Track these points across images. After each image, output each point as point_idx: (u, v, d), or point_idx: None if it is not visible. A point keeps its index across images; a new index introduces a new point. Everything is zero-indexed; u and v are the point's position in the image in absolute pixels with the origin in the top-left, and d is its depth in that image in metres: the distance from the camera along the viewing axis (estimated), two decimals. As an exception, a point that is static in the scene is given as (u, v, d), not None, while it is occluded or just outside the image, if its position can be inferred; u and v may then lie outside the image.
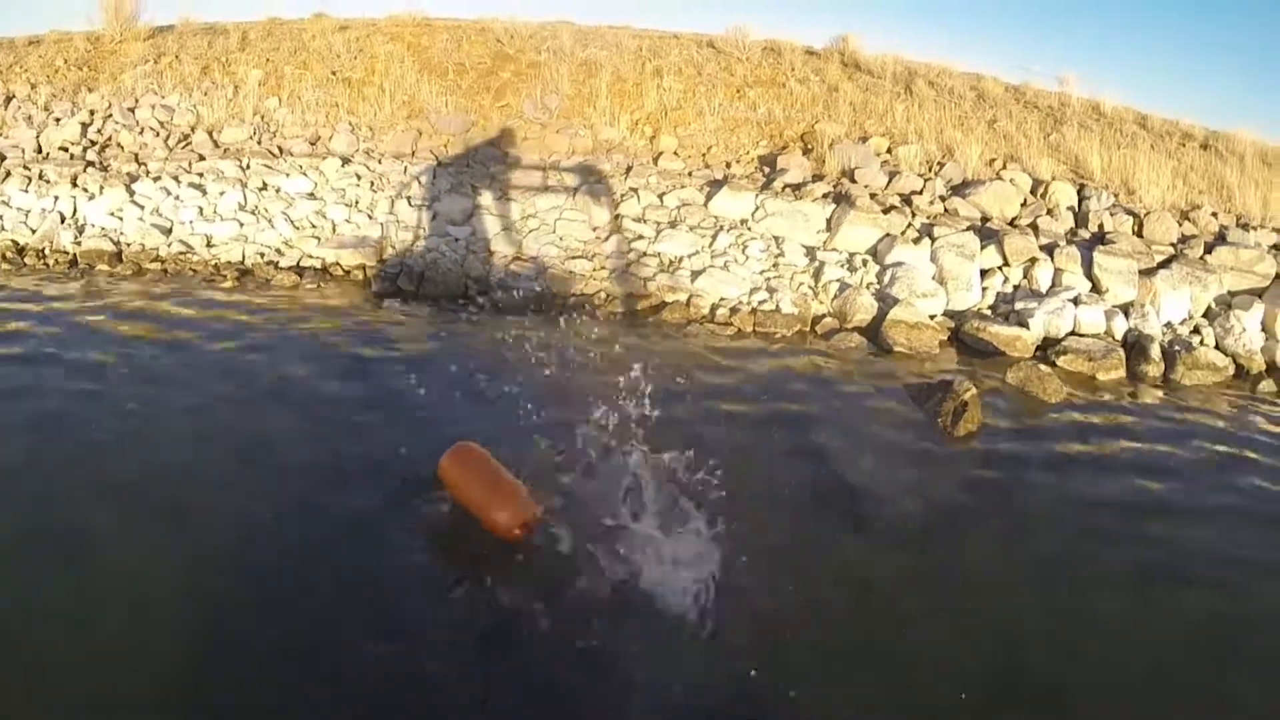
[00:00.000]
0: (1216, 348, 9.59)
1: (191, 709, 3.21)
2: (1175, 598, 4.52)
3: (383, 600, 3.80)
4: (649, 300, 7.85)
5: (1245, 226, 12.27)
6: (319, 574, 3.96)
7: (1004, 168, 11.36)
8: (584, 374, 5.86)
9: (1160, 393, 8.14)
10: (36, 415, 5.18)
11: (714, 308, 7.87)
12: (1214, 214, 12.33)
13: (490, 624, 3.67)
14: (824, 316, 8.08)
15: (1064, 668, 3.88)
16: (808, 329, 7.92)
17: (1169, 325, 9.78)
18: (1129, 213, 11.46)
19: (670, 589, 3.88)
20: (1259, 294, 10.59)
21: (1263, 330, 10.15)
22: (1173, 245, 11.12)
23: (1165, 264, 10.48)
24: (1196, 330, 9.81)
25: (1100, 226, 10.93)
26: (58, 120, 11.38)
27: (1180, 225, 11.81)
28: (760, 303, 7.95)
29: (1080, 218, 11.02)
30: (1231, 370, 9.25)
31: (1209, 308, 10.21)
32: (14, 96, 11.86)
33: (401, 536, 4.22)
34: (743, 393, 6.44)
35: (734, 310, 7.87)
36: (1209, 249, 11.33)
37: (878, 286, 8.55)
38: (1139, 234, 11.25)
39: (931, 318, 8.41)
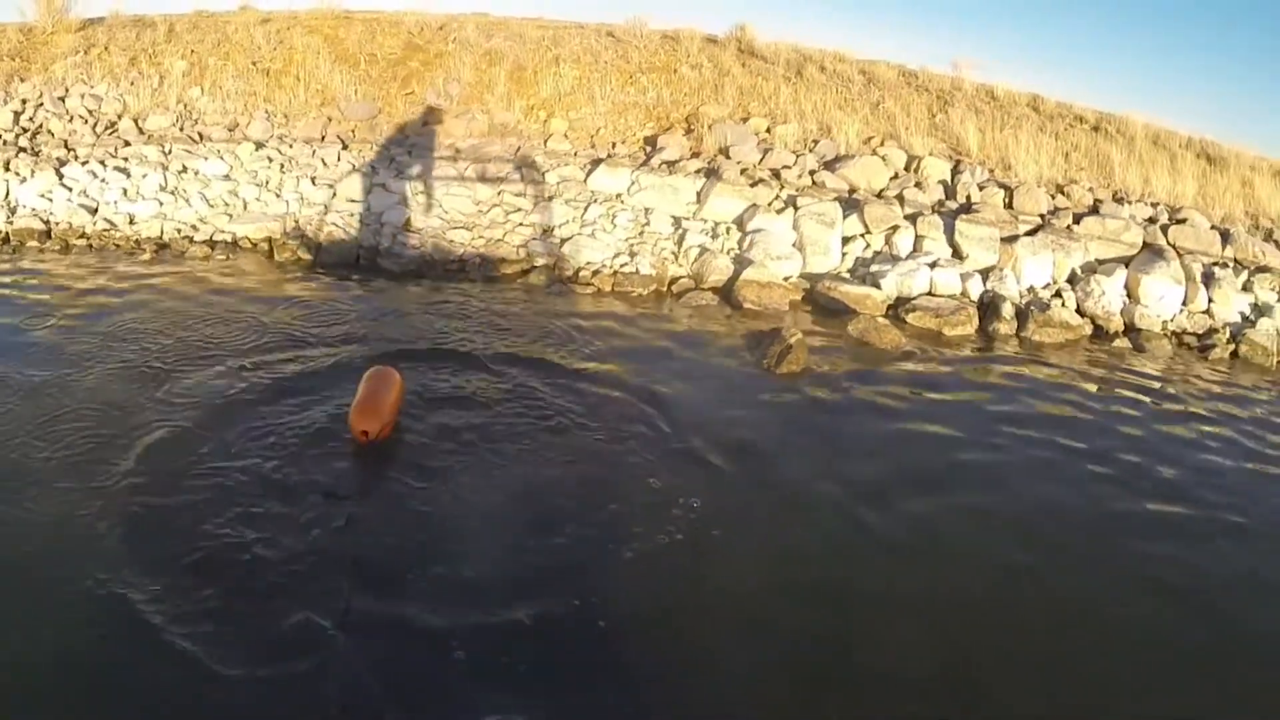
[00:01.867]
0: (1078, 310, 11.05)
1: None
2: (945, 517, 5.41)
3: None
4: (520, 264, 9.17)
5: (1121, 201, 13.76)
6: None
7: (881, 145, 12.77)
8: (441, 326, 7.22)
9: (1007, 347, 9.46)
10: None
11: (578, 271, 9.20)
12: (1090, 189, 13.82)
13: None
14: (681, 278, 9.42)
15: (851, 573, 4.64)
16: (664, 289, 9.25)
17: (1031, 289, 11.20)
18: (1002, 186, 12.90)
19: (479, 507, 4.92)
20: (1126, 262, 12.08)
21: (1127, 294, 11.63)
22: (1041, 216, 12.56)
23: (1032, 233, 11.94)
24: (1058, 294, 11.25)
25: (968, 198, 12.34)
26: (-11, 110, 12.52)
27: (1054, 198, 13.28)
28: (622, 265, 9.30)
29: (950, 190, 12.45)
30: (1089, 330, 10.70)
31: (1073, 273, 11.67)
32: (-56, 88, 12.97)
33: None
34: (586, 339, 7.76)
35: (595, 273, 9.20)
36: (1078, 220, 12.80)
37: (737, 251, 9.92)
38: (1009, 206, 12.69)
39: (786, 279, 9.78)
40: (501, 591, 4.13)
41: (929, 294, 10.18)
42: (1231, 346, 11.15)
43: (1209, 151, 17.48)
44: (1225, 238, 13.31)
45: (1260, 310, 11.85)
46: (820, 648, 4.10)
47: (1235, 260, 12.93)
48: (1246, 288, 12.21)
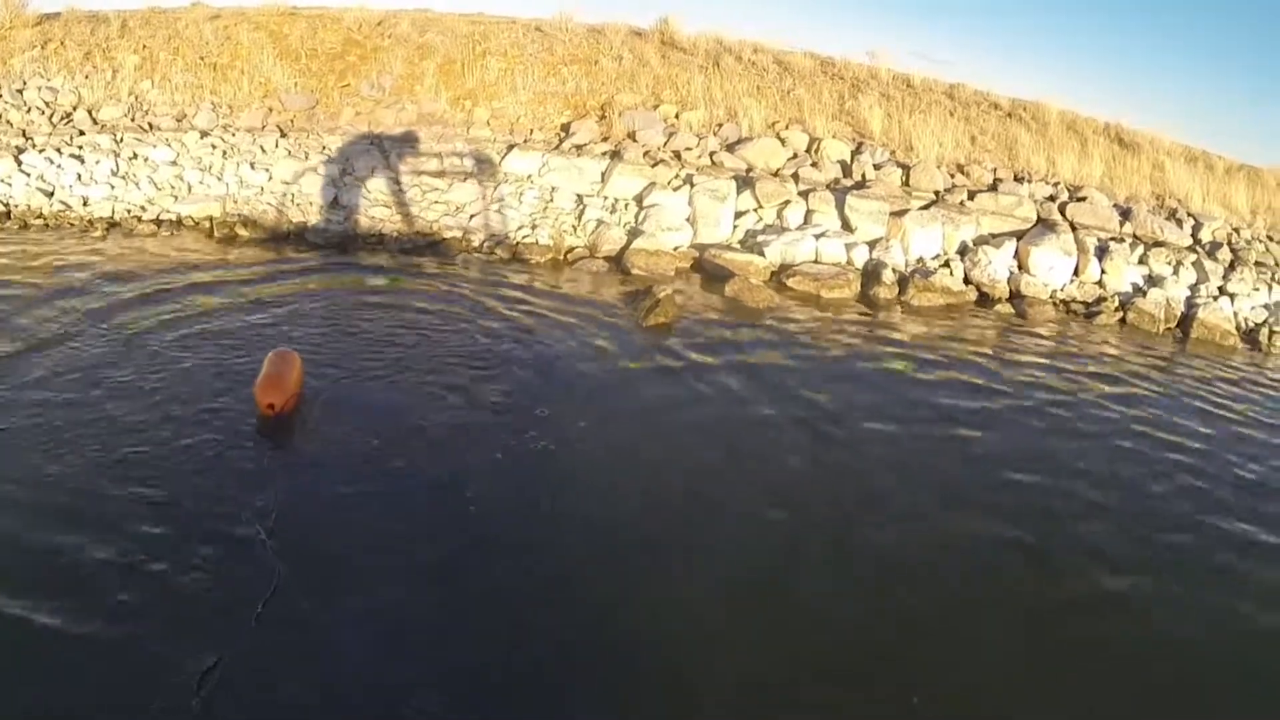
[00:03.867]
0: (965, 279, 12.66)
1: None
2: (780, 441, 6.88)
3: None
4: (432, 237, 10.74)
5: (1021, 180, 15.43)
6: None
7: (786, 128, 14.39)
8: (353, 292, 8.81)
9: (885, 310, 10.94)
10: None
11: (482, 242, 10.81)
12: (993, 169, 15.47)
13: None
14: (578, 248, 11.02)
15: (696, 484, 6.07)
16: (561, 258, 10.84)
17: (920, 259, 12.78)
18: (901, 165, 14.52)
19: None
20: (1019, 235, 13.71)
21: (1018, 265, 13.25)
22: (936, 193, 14.19)
23: (925, 208, 13.55)
24: (946, 264, 12.83)
25: (863, 176, 13.96)
26: (-50, 101, 13.99)
27: (953, 177, 14.91)
28: (524, 237, 10.90)
29: (848, 169, 14.07)
30: (974, 296, 12.29)
31: (963, 245, 13.26)
32: (-94, 81, 14.41)
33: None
34: (482, 299, 9.29)
35: (499, 243, 10.80)
36: (972, 196, 14.46)
37: (632, 224, 11.51)
38: (906, 183, 14.31)
39: (676, 249, 11.37)
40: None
41: (814, 262, 11.74)
42: (1120, 314, 12.81)
43: (1123, 137, 19.20)
44: (1126, 215, 15.00)
45: (1153, 281, 13.51)
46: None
47: (1134, 236, 14.63)
48: (1142, 261, 13.88)
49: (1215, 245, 14.67)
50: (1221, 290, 13.52)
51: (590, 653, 4.25)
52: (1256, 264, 14.43)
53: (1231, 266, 14.08)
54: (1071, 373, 9.52)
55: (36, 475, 5.14)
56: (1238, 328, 12.86)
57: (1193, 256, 14.10)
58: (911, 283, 11.70)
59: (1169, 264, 13.79)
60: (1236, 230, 15.56)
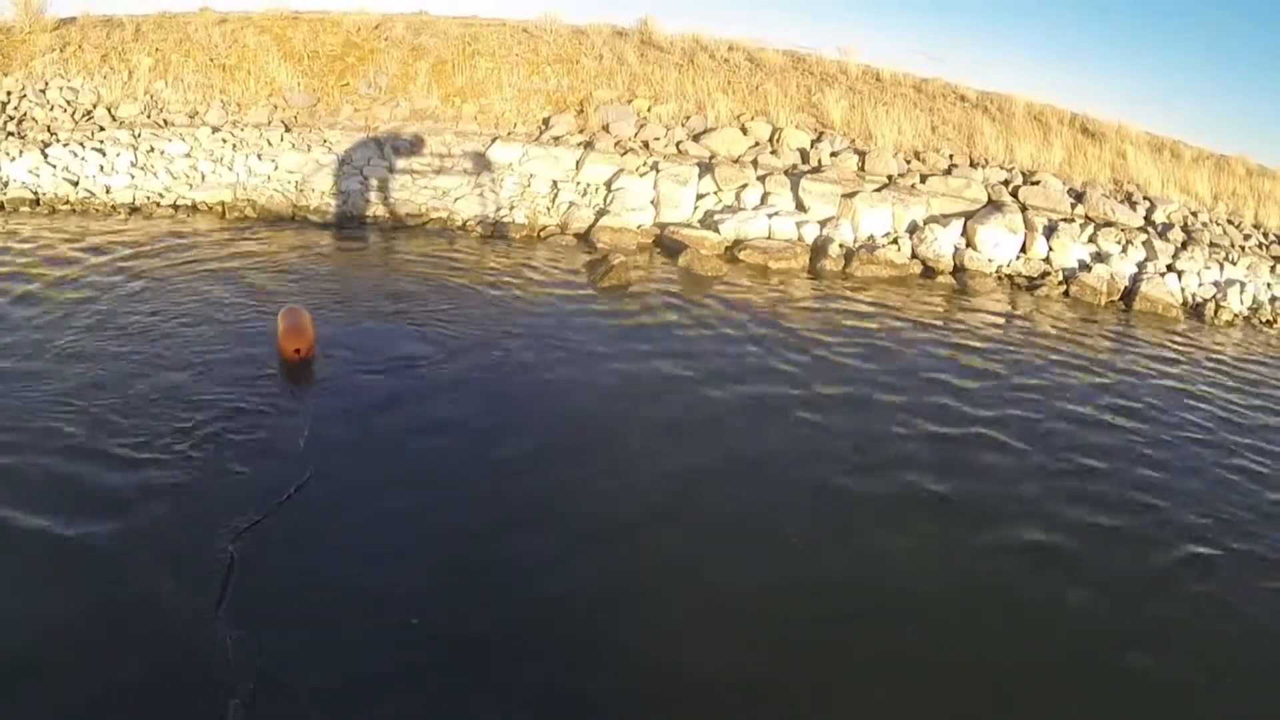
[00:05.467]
0: (913, 254, 14.25)
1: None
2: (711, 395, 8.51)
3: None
4: (422, 217, 12.41)
5: (975, 165, 17.00)
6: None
7: (751, 120, 16.02)
8: (349, 260, 10.52)
9: (824, 281, 12.39)
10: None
11: (465, 221, 12.48)
12: (950, 156, 17.03)
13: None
14: (550, 226, 12.67)
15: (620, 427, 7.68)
16: (535, 235, 12.48)
17: (871, 237, 14.35)
18: (858, 152, 16.09)
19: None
20: (969, 215, 15.27)
21: (966, 242, 14.80)
22: (889, 177, 15.76)
23: (879, 190, 15.14)
24: (895, 240, 14.41)
25: (819, 162, 15.56)
26: (-25, 100, 15.72)
27: (909, 163, 16.47)
28: (502, 217, 12.58)
29: (806, 156, 15.67)
30: (918, 269, 13.82)
31: (913, 223, 14.81)
32: (-68, 81, 16.06)
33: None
34: (461, 267, 10.90)
35: (480, 223, 12.47)
36: (924, 179, 16.03)
37: (601, 205, 13.12)
38: (861, 169, 15.87)
39: (639, 226, 12.97)
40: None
41: (767, 238, 13.34)
42: (1063, 287, 14.31)
43: (1088, 126, 20.75)
44: (1079, 198, 16.49)
45: (1100, 258, 14.98)
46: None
47: (1086, 217, 16.13)
48: (1092, 240, 15.33)
49: (1168, 226, 15.96)
50: (1170, 268, 14.83)
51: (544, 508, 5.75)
52: (1211, 245, 15.77)
53: (1183, 246, 15.39)
54: (992, 333, 11.01)
55: (90, 399, 6.57)
56: (1184, 302, 14.21)
57: (1143, 236, 15.41)
58: (857, 256, 13.20)
59: (1118, 243, 15.16)
60: (1194, 214, 16.88)
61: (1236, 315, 14.26)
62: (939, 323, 11.09)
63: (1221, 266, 15.35)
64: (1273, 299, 14.95)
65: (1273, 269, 15.77)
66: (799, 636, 4.84)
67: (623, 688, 4.35)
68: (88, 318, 8.11)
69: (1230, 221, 17.14)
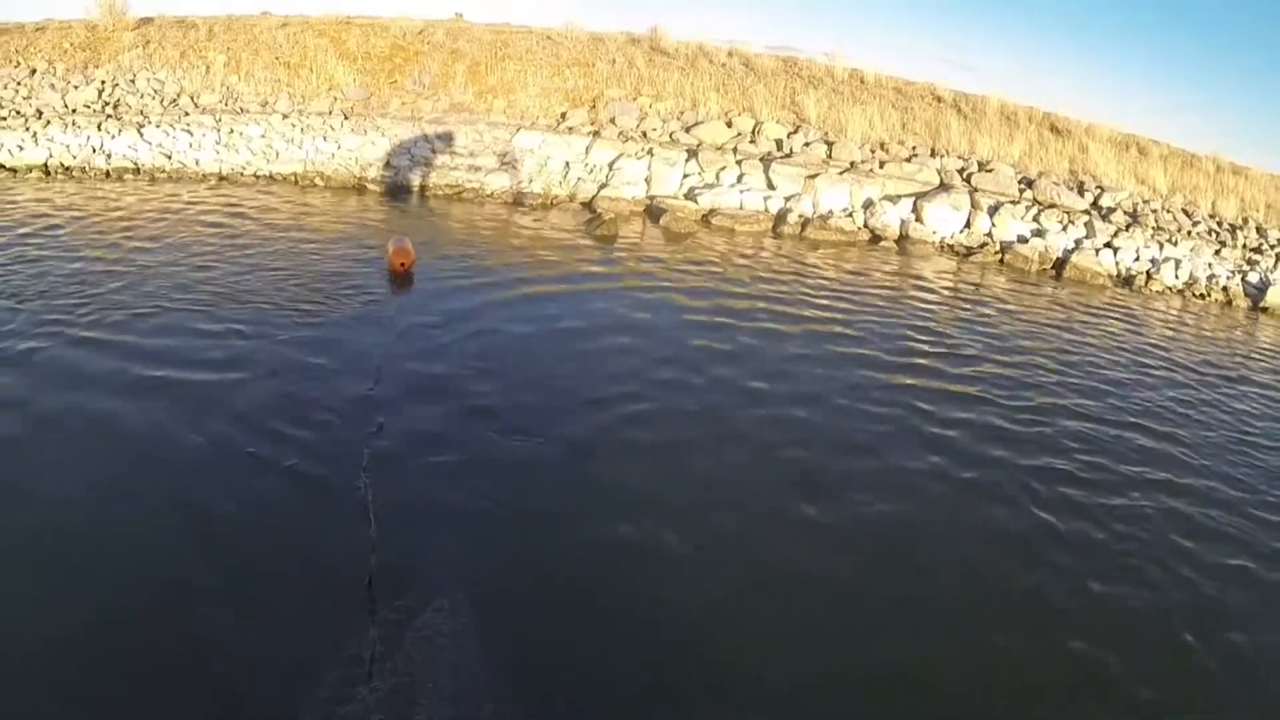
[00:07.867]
0: (865, 225, 17.52)
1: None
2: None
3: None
4: (458, 189, 15.98)
5: (936, 155, 20.19)
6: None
7: (738, 115, 19.48)
8: (402, 218, 14.19)
9: (780, 241, 15.70)
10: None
11: (494, 192, 16.04)
12: (913, 147, 20.23)
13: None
14: (560, 196, 16.23)
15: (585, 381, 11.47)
16: (549, 202, 16.00)
17: (830, 211, 17.61)
18: (827, 143, 19.42)
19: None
20: (920, 195, 18.40)
21: (915, 217, 17.94)
22: (851, 163, 19.12)
23: (841, 173, 18.51)
24: (850, 214, 17.72)
25: (791, 150, 18.92)
26: (76, 87, 18.96)
27: (874, 153, 19.74)
28: (523, 188, 16.17)
29: (781, 145, 19.10)
30: (866, 237, 16.91)
31: (868, 201, 17.98)
32: (35, 70, 18.99)
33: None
34: (489, 225, 14.46)
35: (505, 193, 16.06)
36: (882, 165, 19.30)
37: (603, 181, 16.71)
38: (829, 156, 19.14)
39: (633, 198, 16.39)
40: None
41: (739, 208, 16.64)
42: (998, 256, 17.26)
43: (1056, 124, 23.92)
44: (1030, 184, 19.61)
45: (1040, 234, 17.94)
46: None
47: (1035, 200, 19.19)
48: (1035, 219, 18.30)
49: (1111, 210, 18.76)
50: (1107, 245, 17.60)
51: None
52: (1156, 228, 18.49)
53: (1126, 228, 18.15)
54: (911, 287, 14.29)
55: (205, 321, 10.07)
56: (1117, 274, 16.99)
57: (1085, 218, 18.21)
58: (812, 224, 16.52)
59: (1059, 222, 17.85)
60: (1146, 201, 19.57)
61: (1169, 288, 16.86)
62: (872, 271, 14.35)
63: (1161, 246, 17.99)
64: (1210, 276, 17.45)
65: (1217, 252, 18.31)
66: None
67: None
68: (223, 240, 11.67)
69: (1184, 211, 19.74)
